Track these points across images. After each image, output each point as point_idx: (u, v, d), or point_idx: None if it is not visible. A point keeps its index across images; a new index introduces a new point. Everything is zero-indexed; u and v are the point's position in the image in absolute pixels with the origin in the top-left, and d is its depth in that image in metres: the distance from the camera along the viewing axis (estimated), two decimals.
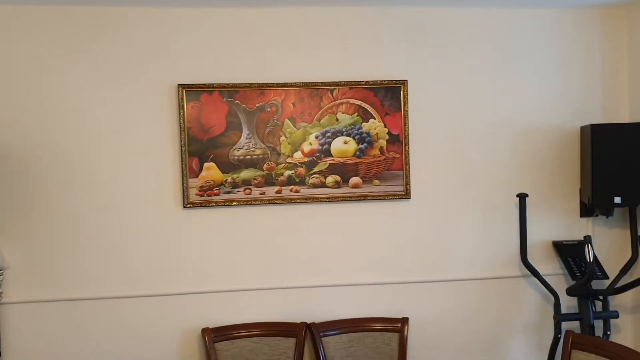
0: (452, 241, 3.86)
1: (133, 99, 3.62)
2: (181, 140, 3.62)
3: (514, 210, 3.84)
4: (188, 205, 3.63)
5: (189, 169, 3.63)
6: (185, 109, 3.62)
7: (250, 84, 3.66)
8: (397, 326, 3.71)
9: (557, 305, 3.73)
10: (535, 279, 3.78)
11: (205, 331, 3.59)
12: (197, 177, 3.64)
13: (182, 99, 3.62)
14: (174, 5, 3.59)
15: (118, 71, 3.60)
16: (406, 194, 3.80)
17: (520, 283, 3.89)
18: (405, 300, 3.82)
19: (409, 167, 3.79)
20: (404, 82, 3.77)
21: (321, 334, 3.65)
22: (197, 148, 3.63)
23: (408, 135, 3.79)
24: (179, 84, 3.61)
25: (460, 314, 3.85)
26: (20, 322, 3.55)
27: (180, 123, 3.62)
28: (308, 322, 3.67)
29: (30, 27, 3.53)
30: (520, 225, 3.80)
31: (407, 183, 3.80)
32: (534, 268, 3.76)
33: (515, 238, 3.84)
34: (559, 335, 3.66)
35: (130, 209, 3.62)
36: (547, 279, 3.77)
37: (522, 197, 3.78)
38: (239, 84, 3.65)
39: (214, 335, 3.59)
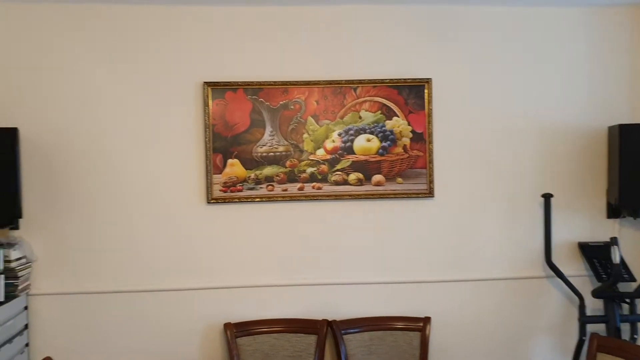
0: (476, 240, 3.83)
1: (160, 97, 3.67)
2: (206, 137, 3.66)
3: (539, 210, 3.80)
4: (212, 201, 3.67)
5: (213, 165, 3.67)
6: (210, 107, 3.66)
7: (274, 81, 3.69)
8: (419, 325, 3.70)
9: (582, 307, 3.67)
10: (560, 280, 3.74)
11: (227, 326, 3.62)
12: (220, 173, 3.68)
13: (208, 96, 3.66)
14: (200, 3, 3.63)
15: (146, 69, 3.67)
16: (429, 193, 3.78)
17: (544, 284, 3.84)
18: (428, 299, 3.80)
19: (432, 165, 3.78)
20: (428, 80, 3.76)
21: (342, 331, 3.65)
22: (221, 145, 3.67)
23: (432, 133, 3.77)
24: (204, 82, 3.65)
25: (483, 314, 3.82)
26: (48, 313, 3.62)
27: (205, 120, 3.66)
28: (329, 320, 3.68)
29: (63, 24, 3.61)
30: (544, 225, 3.76)
31: (431, 181, 3.78)
32: (559, 269, 3.71)
33: (540, 238, 3.80)
34: (584, 338, 3.61)
35: (155, 204, 3.68)
36: (571, 280, 3.72)
37: (547, 197, 3.74)
38: (263, 81, 3.68)
39: (236, 331, 3.62)
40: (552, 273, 3.75)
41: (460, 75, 3.81)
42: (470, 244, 3.83)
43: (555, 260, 3.74)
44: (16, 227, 3.53)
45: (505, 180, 3.83)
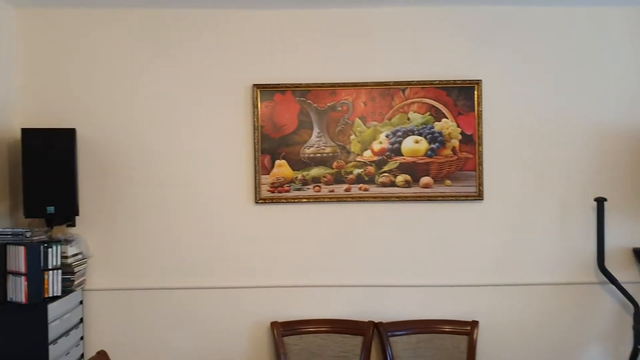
0: (526, 244, 3.76)
1: (211, 99, 3.75)
2: (254, 138, 3.71)
3: (592, 215, 3.71)
4: (259, 201, 3.72)
5: (261, 166, 3.72)
6: (259, 108, 3.71)
7: (322, 83, 3.71)
8: (467, 329, 3.66)
9: (637, 314, 3.57)
10: (613, 287, 3.64)
11: (274, 325, 3.67)
12: (268, 174, 3.73)
13: (257, 98, 3.71)
14: (249, 7, 3.69)
15: (198, 72, 3.75)
16: (479, 195, 3.73)
17: (596, 290, 3.74)
18: (476, 303, 3.75)
19: (482, 167, 3.73)
20: (478, 82, 3.71)
21: (389, 333, 3.64)
22: (269, 146, 3.72)
23: (482, 135, 3.72)
24: (253, 84, 3.71)
25: (532, 320, 3.75)
26: (101, 308, 3.74)
27: (254, 122, 3.71)
28: (376, 321, 3.68)
29: (116, 30, 3.74)
30: (597, 230, 3.66)
31: (480, 184, 3.73)
32: (612, 275, 3.62)
33: (592, 243, 3.70)
34: (639, 347, 3.51)
35: (205, 204, 3.75)
36: (626, 287, 3.61)
37: (601, 201, 3.64)
38: (311, 83, 3.71)
39: (283, 330, 3.66)
40: (604, 279, 3.66)
41: (511, 76, 3.75)
42: (520, 248, 3.76)
43: (608, 266, 3.64)
44: (73, 225, 3.66)
45: (557, 183, 3.75)
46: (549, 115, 3.75)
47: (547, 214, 3.76)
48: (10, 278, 3.22)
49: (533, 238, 3.76)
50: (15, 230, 3.27)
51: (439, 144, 3.74)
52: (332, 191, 3.74)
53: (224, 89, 3.74)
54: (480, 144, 3.72)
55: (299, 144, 3.73)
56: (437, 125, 3.73)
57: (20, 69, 3.71)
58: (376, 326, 3.67)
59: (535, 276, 3.75)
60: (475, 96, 3.72)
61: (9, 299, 3.22)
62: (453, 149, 3.74)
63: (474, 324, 3.67)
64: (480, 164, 3.73)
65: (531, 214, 3.76)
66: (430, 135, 3.74)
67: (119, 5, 3.67)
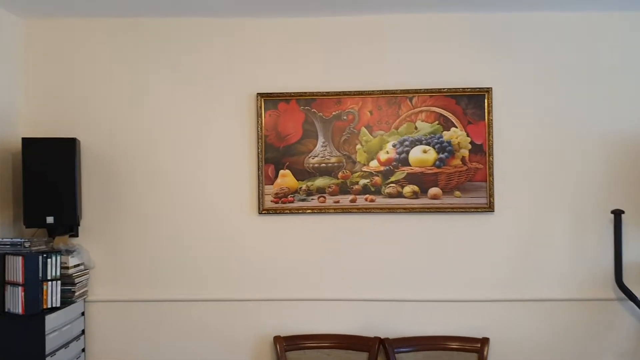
0: (538, 258, 3.62)
1: (214, 108, 3.70)
2: (258, 148, 3.65)
3: (608, 228, 3.55)
4: (263, 212, 3.65)
5: (265, 176, 3.65)
6: (263, 117, 3.65)
7: (327, 92, 3.64)
8: (477, 346, 3.53)
9: None
10: (632, 303, 3.48)
11: (277, 339, 3.58)
12: (272, 184, 3.66)
13: (261, 107, 3.65)
14: (253, 15, 3.64)
15: (201, 81, 3.71)
16: (489, 207, 3.61)
17: (613, 306, 3.57)
18: (486, 319, 3.62)
19: (492, 178, 3.61)
20: (488, 90, 3.61)
21: (395, 350, 3.52)
22: (273, 155, 3.65)
23: (492, 145, 3.61)
24: (257, 93, 3.65)
25: (545, 337, 3.60)
26: (104, 319, 3.70)
27: (257, 131, 3.65)
28: (382, 337, 3.57)
29: (119, 39, 3.72)
30: (615, 244, 3.51)
31: (491, 195, 3.61)
32: (630, 291, 3.45)
33: (609, 258, 3.55)
34: None
35: (207, 214, 3.70)
36: None
37: (618, 213, 3.48)
38: (316, 92, 3.64)
39: (286, 344, 3.57)
40: (623, 295, 3.49)
41: (522, 84, 3.63)
42: (532, 262, 3.62)
43: (626, 281, 3.48)
44: (76, 235, 3.65)
45: (572, 195, 3.61)
46: (562, 124, 3.62)
47: (561, 226, 3.61)
48: (9, 288, 3.18)
49: (546, 251, 3.61)
50: (14, 240, 3.24)
51: (447, 153, 3.63)
52: (338, 202, 3.65)
53: (227, 98, 3.69)
54: (490, 154, 3.60)
55: (304, 154, 3.65)
56: (446, 135, 3.63)
57: (26, 78, 3.72)
58: (382, 342, 3.55)
59: (549, 291, 3.60)
60: (486, 105, 3.61)
61: (6, 310, 3.19)
62: (462, 159, 3.62)
63: (485, 340, 3.53)
64: (491, 174, 3.60)
65: (544, 226, 3.62)
66: (438, 145, 3.63)
67: (121, 15, 3.65)
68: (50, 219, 3.36)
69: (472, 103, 3.62)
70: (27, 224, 3.37)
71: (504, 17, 3.62)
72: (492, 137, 3.61)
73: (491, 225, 3.64)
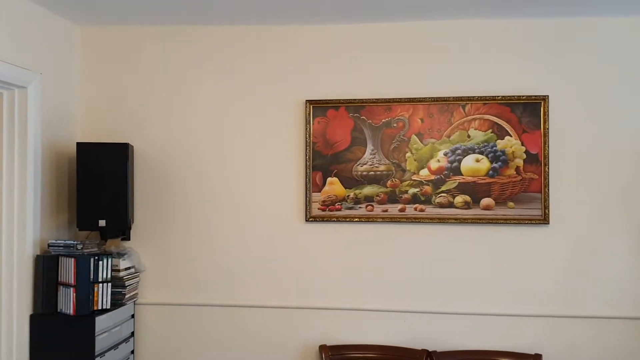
0: (596, 273, 3.46)
1: (263, 114, 3.71)
2: (306, 155, 3.63)
3: None
4: (310, 219, 3.63)
5: (313, 183, 3.63)
6: (311, 124, 3.63)
7: (377, 99, 3.58)
8: None
9: None
10: None
11: (322, 348, 3.54)
12: (319, 191, 3.63)
13: (309, 114, 3.63)
14: (303, 23, 3.63)
15: (251, 88, 3.72)
16: (544, 219, 3.48)
17: None
18: (539, 335, 3.48)
19: (548, 189, 3.47)
20: (544, 98, 3.48)
21: None
22: (321, 163, 3.63)
23: (548, 154, 3.47)
24: (306, 100, 3.64)
25: (602, 356, 3.44)
26: (153, 322, 3.75)
27: (306, 138, 3.63)
28: (429, 350, 3.48)
29: (170, 47, 3.78)
30: None
31: (546, 207, 3.48)
32: None
33: None
34: None
35: (255, 220, 3.70)
36: None
37: None
38: (365, 99, 3.60)
39: (331, 354, 3.53)
40: None
41: (580, 92, 3.48)
42: (589, 277, 3.46)
43: None
44: (127, 238, 3.72)
45: (632, 207, 3.44)
46: (622, 132, 3.45)
47: (621, 240, 3.45)
48: (61, 289, 3.27)
49: (605, 266, 3.45)
50: (67, 242, 3.33)
51: (501, 163, 3.52)
52: (386, 211, 3.59)
53: (276, 105, 3.69)
54: (546, 164, 3.47)
55: (352, 161, 3.61)
56: (500, 144, 3.52)
57: (82, 85, 3.82)
58: (430, 355, 3.47)
59: (607, 308, 3.44)
60: (542, 113, 3.48)
61: (59, 310, 3.28)
62: (517, 168, 3.50)
63: (537, 357, 3.39)
64: (546, 185, 3.47)
65: (603, 239, 3.46)
66: (492, 154, 3.52)
67: (175, 22, 3.70)
68: (102, 222, 3.42)
69: (528, 111, 3.50)
70: (81, 226, 3.45)
71: (560, 22, 3.49)
72: (548, 146, 3.47)
73: (546, 238, 3.50)
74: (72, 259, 3.23)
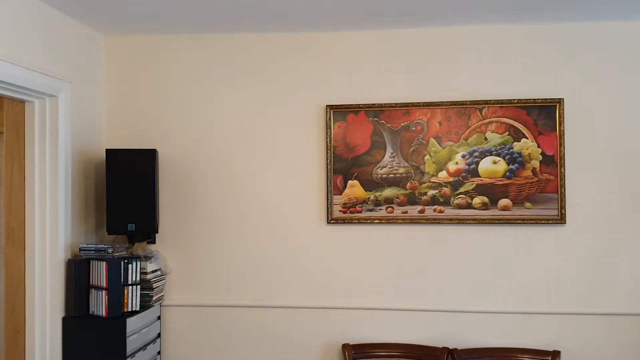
0: (612, 271, 3.54)
1: (285, 119, 3.80)
2: (327, 159, 3.72)
3: None
4: (332, 221, 3.72)
5: (334, 186, 3.72)
6: (332, 129, 3.72)
7: (396, 103, 3.67)
8: (547, 359, 3.48)
9: None
10: None
11: (345, 347, 3.63)
12: (340, 194, 3.72)
13: (330, 119, 3.72)
14: (323, 29, 3.72)
15: (273, 94, 3.82)
16: (561, 219, 3.56)
17: None
18: (557, 332, 3.56)
19: (564, 190, 3.56)
20: (560, 101, 3.56)
21: None
22: (341, 166, 3.71)
23: (564, 156, 3.56)
24: (327, 105, 3.73)
25: (619, 353, 3.51)
26: (178, 323, 3.84)
27: (327, 142, 3.72)
28: (450, 348, 3.56)
29: (194, 54, 3.87)
30: None
31: (562, 207, 3.56)
32: None
33: None
34: None
35: (278, 223, 3.79)
36: None
37: None
38: (384, 103, 3.68)
39: (354, 352, 3.61)
40: None
41: (595, 95, 3.57)
42: (606, 275, 3.54)
43: None
44: (153, 242, 3.80)
45: None
46: (636, 134, 3.53)
47: (637, 239, 3.52)
48: (93, 292, 3.37)
49: (621, 264, 3.53)
50: (98, 246, 3.42)
51: (518, 164, 3.60)
52: (406, 212, 3.68)
53: (297, 110, 3.78)
54: (562, 165, 3.55)
55: (372, 165, 3.70)
56: (517, 146, 3.60)
57: (107, 93, 3.92)
58: (451, 353, 3.55)
59: (623, 306, 3.52)
60: (557, 115, 3.56)
61: (91, 312, 3.37)
62: (533, 170, 3.59)
63: (556, 354, 3.47)
64: (562, 185, 3.55)
65: (619, 238, 3.54)
66: (509, 156, 3.61)
67: (198, 30, 3.79)
68: (131, 226, 3.52)
69: (544, 114, 3.58)
70: (110, 230, 3.53)
71: (575, 26, 3.58)
72: (564, 148, 3.56)
73: (563, 237, 3.58)
74: (104, 263, 3.32)
